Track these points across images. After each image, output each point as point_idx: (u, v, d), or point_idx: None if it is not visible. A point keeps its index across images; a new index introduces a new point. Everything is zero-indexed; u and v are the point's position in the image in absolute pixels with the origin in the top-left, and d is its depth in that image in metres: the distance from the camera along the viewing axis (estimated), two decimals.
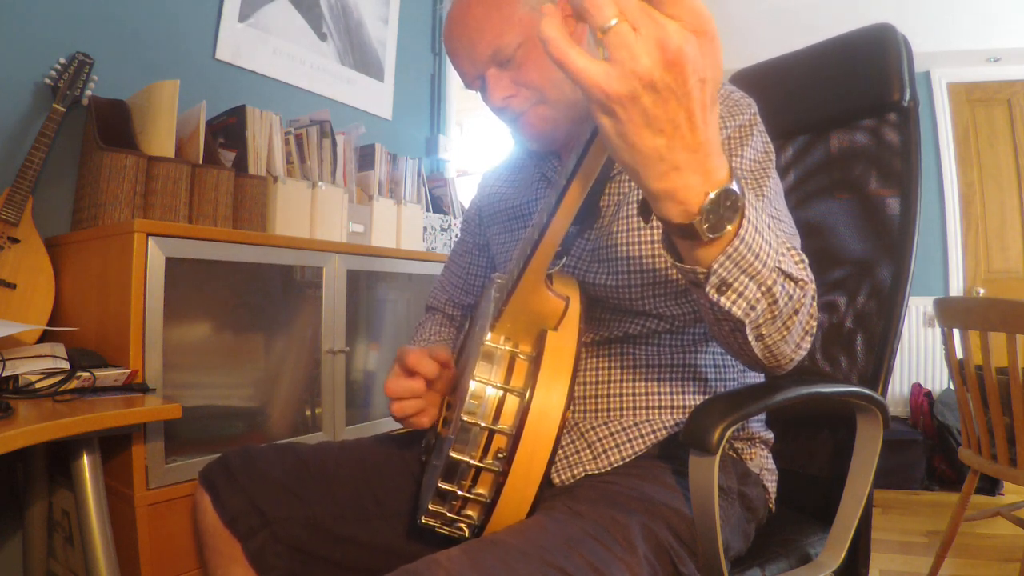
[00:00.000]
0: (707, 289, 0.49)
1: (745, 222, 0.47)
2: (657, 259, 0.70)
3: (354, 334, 1.55)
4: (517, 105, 0.75)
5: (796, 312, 0.56)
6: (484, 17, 0.72)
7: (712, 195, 0.44)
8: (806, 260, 0.59)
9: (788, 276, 0.54)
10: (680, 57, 0.37)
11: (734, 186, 0.44)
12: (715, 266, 0.48)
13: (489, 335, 0.59)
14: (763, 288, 0.51)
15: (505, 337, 0.59)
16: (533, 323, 0.60)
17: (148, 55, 1.59)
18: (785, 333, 0.56)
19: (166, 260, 1.12)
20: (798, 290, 0.55)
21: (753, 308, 0.51)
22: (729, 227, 0.46)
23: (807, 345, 0.60)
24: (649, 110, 0.39)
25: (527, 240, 0.61)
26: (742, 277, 0.49)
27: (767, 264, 0.50)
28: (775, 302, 0.53)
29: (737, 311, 0.51)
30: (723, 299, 0.50)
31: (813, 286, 0.58)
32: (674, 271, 0.70)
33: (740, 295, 0.50)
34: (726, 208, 0.45)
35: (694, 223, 0.44)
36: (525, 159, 0.91)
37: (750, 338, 0.54)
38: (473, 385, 0.56)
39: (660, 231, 0.70)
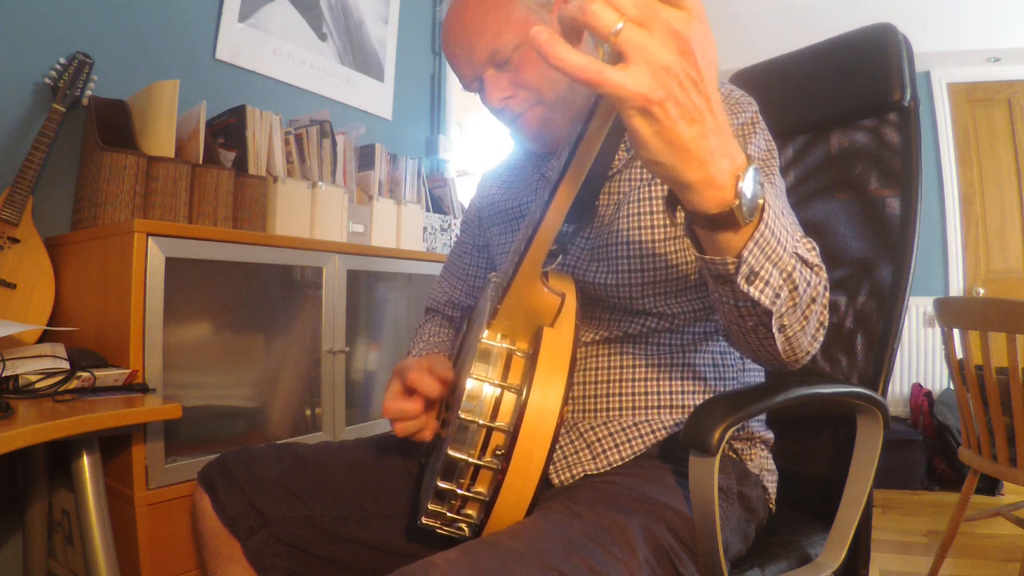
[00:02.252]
0: (738, 280, 0.49)
1: (766, 205, 0.47)
2: (657, 258, 0.70)
3: (354, 334, 1.55)
4: (515, 106, 0.75)
5: (814, 300, 0.57)
6: (481, 19, 0.72)
7: (744, 176, 0.44)
8: (817, 248, 0.60)
9: (804, 261, 0.54)
10: (690, 43, 0.38)
11: (753, 166, 0.45)
12: (745, 254, 0.48)
13: (486, 333, 0.59)
14: (784, 274, 0.51)
15: (502, 335, 0.59)
16: (529, 320, 0.60)
17: (148, 55, 1.59)
18: (804, 323, 0.57)
19: (166, 260, 1.12)
20: (814, 276, 0.56)
21: (778, 296, 0.52)
22: (760, 203, 0.46)
23: (821, 338, 0.61)
24: (681, 102, 0.39)
25: (521, 238, 0.61)
26: (767, 264, 0.50)
27: (787, 249, 0.51)
28: (795, 288, 0.53)
29: (765, 300, 0.51)
30: (752, 289, 0.50)
31: (825, 274, 0.59)
32: (678, 268, 0.70)
33: (767, 283, 0.51)
34: (756, 187, 0.45)
35: (733, 208, 0.44)
36: (524, 159, 0.91)
37: (774, 329, 0.54)
38: (470, 383, 0.56)
39: (670, 229, 0.70)
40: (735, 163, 0.44)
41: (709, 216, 0.45)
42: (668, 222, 0.69)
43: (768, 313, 0.52)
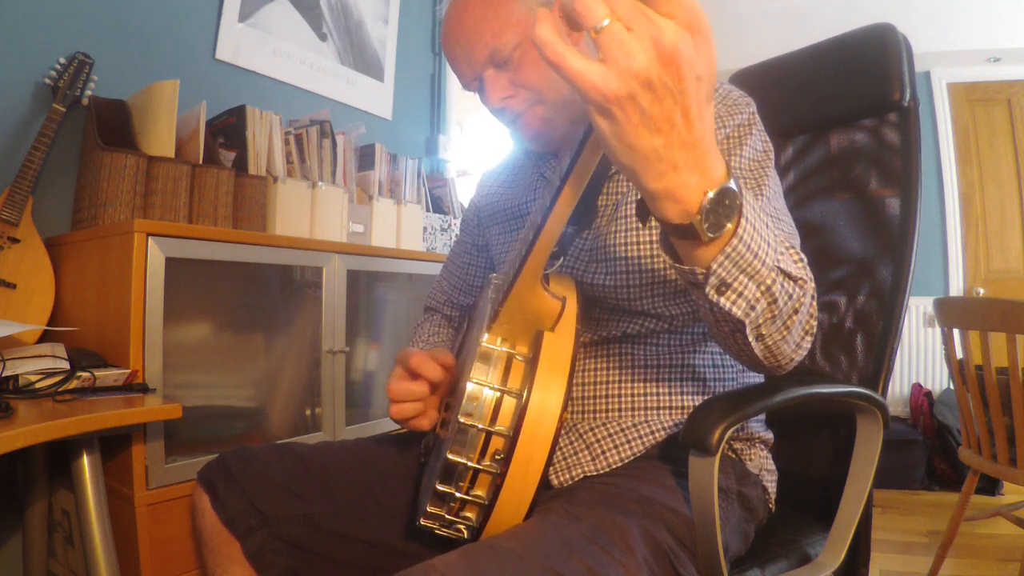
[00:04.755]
0: (706, 290, 0.49)
1: (743, 221, 0.47)
2: (655, 259, 0.70)
3: (354, 334, 1.55)
4: (515, 106, 0.75)
5: (796, 312, 0.56)
6: (481, 18, 0.72)
7: (711, 194, 0.43)
8: (805, 259, 0.59)
9: (787, 275, 0.54)
10: (676, 54, 0.37)
11: (732, 184, 0.44)
12: (714, 266, 0.48)
13: (486, 336, 0.59)
14: (762, 287, 0.51)
15: (502, 338, 0.59)
16: (530, 324, 0.60)
17: (148, 55, 1.59)
18: (785, 333, 0.56)
19: (166, 260, 1.12)
20: (797, 289, 0.55)
21: (753, 308, 0.51)
22: (729, 225, 0.46)
23: (807, 345, 0.60)
24: (647, 109, 0.38)
25: (523, 240, 0.61)
26: (741, 277, 0.49)
27: (766, 263, 0.50)
28: (774, 301, 0.52)
29: (737, 311, 0.51)
30: (723, 299, 0.50)
31: (812, 285, 0.58)
32: (672, 271, 0.70)
33: (740, 295, 0.50)
34: (725, 207, 0.45)
35: (694, 222, 0.44)
36: (524, 159, 0.91)
37: (750, 338, 0.54)
38: (470, 387, 0.56)
39: (658, 231, 0.70)
40: (707, 178, 0.43)
41: (673, 226, 0.45)
42: (643, 226, 0.69)
43: (741, 323, 0.52)
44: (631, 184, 0.73)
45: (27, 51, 1.36)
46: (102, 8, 1.50)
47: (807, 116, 0.97)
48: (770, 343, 0.56)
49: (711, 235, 0.45)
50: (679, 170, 0.42)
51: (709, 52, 0.39)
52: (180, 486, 1.12)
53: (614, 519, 0.57)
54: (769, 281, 0.51)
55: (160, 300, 1.11)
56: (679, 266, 0.50)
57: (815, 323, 0.60)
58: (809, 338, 0.60)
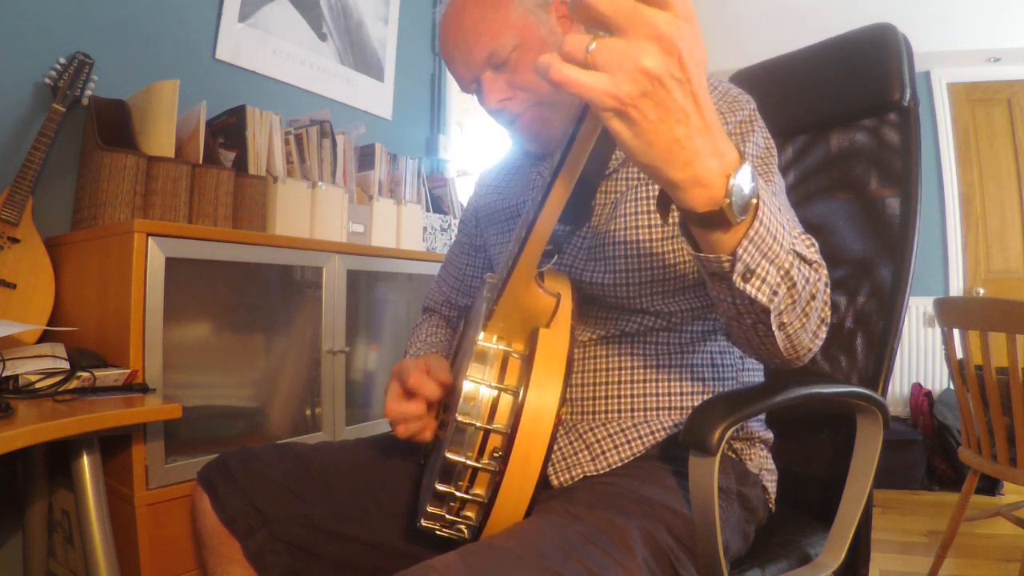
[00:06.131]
0: (734, 277, 0.49)
1: (761, 204, 0.47)
2: (655, 256, 0.70)
3: (354, 334, 1.55)
4: (513, 107, 0.75)
5: (813, 297, 0.56)
6: (479, 20, 0.72)
7: (734, 175, 0.44)
8: (816, 244, 0.59)
9: (803, 258, 0.54)
10: (676, 45, 0.38)
11: (748, 164, 0.45)
12: (739, 251, 0.48)
13: (481, 335, 0.59)
14: (782, 272, 0.51)
15: (498, 336, 0.59)
16: (525, 321, 0.60)
17: (148, 55, 1.59)
18: (804, 320, 0.57)
19: (166, 260, 1.12)
20: (813, 273, 0.56)
21: (776, 293, 0.52)
22: (753, 202, 0.46)
23: (823, 335, 0.61)
24: (662, 103, 0.39)
25: (516, 239, 0.61)
26: (763, 262, 0.49)
27: (784, 246, 0.50)
28: (794, 286, 0.53)
29: (762, 298, 0.51)
30: (748, 286, 0.50)
31: (825, 271, 0.59)
32: (675, 267, 0.70)
33: (763, 281, 0.50)
34: (748, 187, 0.45)
35: (723, 207, 0.44)
36: (521, 159, 0.91)
37: (773, 327, 0.54)
38: (467, 386, 0.56)
39: (667, 228, 0.70)
40: (725, 162, 0.44)
41: (700, 215, 0.45)
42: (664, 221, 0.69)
43: (766, 311, 0.52)
44: (631, 183, 0.73)
45: (27, 51, 1.36)
46: (102, 8, 1.50)
47: (807, 116, 0.97)
48: (790, 331, 0.56)
49: (741, 217, 0.45)
50: (701, 156, 0.42)
51: (700, 38, 0.39)
52: (180, 486, 1.12)
53: (614, 519, 0.57)
54: (787, 265, 0.51)
55: (160, 300, 1.11)
56: (704, 255, 0.50)
57: (829, 312, 0.60)
58: (824, 327, 0.60)
